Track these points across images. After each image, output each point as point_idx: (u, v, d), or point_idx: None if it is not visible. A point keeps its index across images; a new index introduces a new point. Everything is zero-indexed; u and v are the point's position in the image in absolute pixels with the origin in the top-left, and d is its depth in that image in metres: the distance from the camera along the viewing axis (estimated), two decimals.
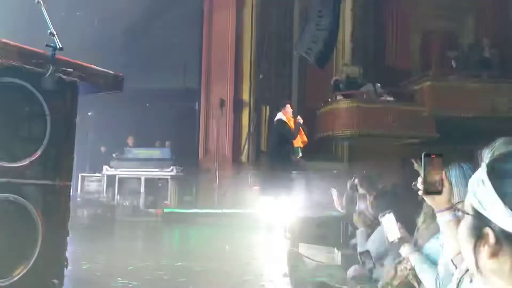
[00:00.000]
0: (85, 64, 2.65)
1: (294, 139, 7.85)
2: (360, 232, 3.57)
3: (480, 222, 0.85)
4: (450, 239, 1.45)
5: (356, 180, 5.50)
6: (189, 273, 3.82)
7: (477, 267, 0.88)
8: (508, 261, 0.82)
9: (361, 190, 5.25)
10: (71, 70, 2.52)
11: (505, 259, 0.83)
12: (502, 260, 0.83)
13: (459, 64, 10.07)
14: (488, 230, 0.84)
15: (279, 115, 7.97)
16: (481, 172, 0.87)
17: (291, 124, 7.87)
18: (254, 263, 4.45)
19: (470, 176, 0.90)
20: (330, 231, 4.55)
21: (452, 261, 1.49)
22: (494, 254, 0.83)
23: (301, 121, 7.85)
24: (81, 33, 8.71)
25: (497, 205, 0.82)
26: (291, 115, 7.88)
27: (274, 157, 7.99)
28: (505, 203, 0.81)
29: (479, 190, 0.86)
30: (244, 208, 8.97)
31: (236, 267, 4.08)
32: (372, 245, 3.20)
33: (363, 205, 4.47)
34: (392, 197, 3.14)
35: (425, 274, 1.83)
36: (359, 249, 3.48)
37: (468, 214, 0.89)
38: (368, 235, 3.39)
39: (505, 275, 0.83)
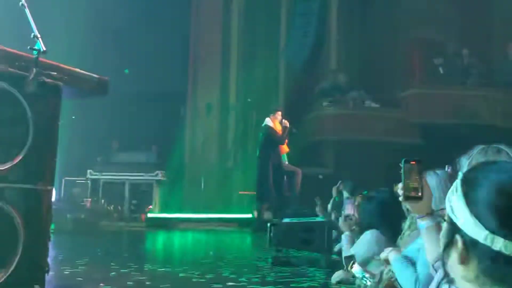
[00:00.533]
0: (69, 67, 2.63)
1: (283, 143, 7.88)
2: (345, 236, 3.58)
3: (453, 228, 0.89)
4: (430, 245, 1.47)
5: (342, 186, 5.55)
6: (172, 279, 3.80)
7: (448, 272, 0.91)
8: (475, 268, 0.85)
9: (346, 195, 5.30)
10: (55, 73, 2.50)
11: (472, 266, 0.85)
12: (470, 266, 0.86)
13: (444, 71, 10.22)
14: (457, 236, 0.87)
15: (267, 121, 7.98)
16: (457, 180, 0.91)
17: (279, 130, 7.90)
18: (238, 268, 4.44)
19: (445, 183, 0.93)
20: (314, 236, 4.56)
21: (432, 266, 1.51)
22: (462, 260, 0.86)
23: (287, 124, 7.88)
24: (67, 36, 8.63)
25: (464, 213, 0.85)
26: (280, 122, 7.90)
27: (262, 162, 8.00)
28: (471, 211, 0.84)
29: (453, 198, 0.89)
30: (230, 213, 8.95)
31: (220, 273, 4.07)
32: (357, 249, 3.21)
33: (349, 210, 4.51)
34: (377, 202, 3.16)
35: (404, 278, 1.85)
36: (344, 254, 3.50)
37: (444, 220, 0.93)
38: (354, 240, 3.40)
39: (473, 281, 0.86)
